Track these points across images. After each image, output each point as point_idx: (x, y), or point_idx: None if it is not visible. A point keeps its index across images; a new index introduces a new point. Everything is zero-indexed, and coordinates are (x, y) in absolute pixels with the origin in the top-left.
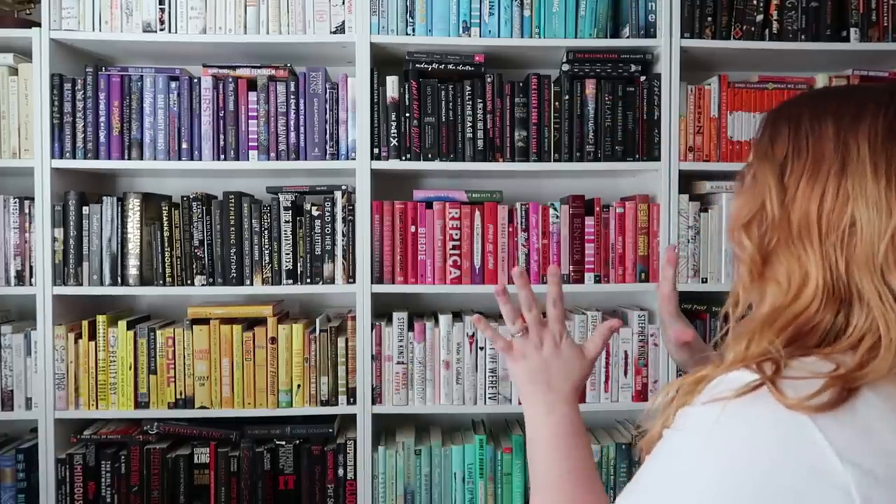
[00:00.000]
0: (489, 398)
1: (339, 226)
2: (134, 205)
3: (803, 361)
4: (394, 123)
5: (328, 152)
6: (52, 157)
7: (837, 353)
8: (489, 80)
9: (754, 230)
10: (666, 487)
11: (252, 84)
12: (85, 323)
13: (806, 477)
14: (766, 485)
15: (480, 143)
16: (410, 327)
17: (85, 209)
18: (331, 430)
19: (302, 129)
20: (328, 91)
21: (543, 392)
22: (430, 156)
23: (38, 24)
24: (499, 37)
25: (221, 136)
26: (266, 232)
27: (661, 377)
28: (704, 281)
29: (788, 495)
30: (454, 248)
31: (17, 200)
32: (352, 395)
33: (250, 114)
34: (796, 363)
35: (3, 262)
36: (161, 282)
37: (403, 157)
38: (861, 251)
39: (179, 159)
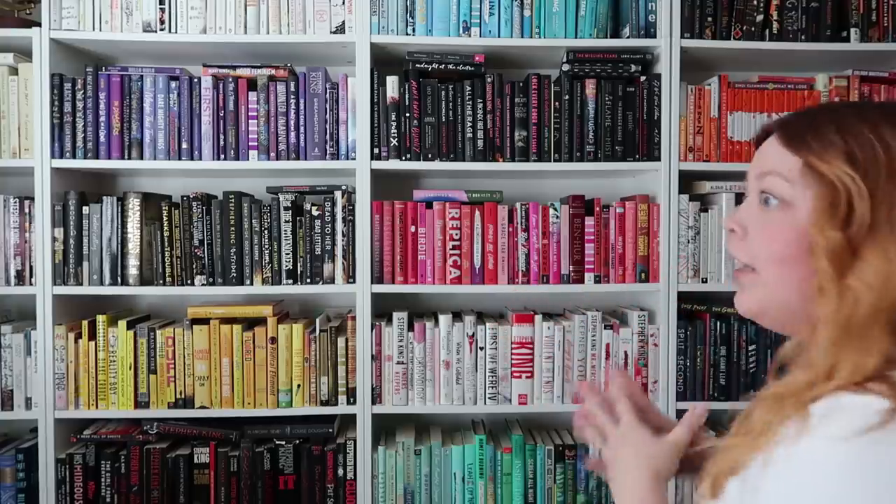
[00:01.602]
0: (489, 398)
1: (339, 226)
2: (134, 205)
3: None
4: (394, 123)
5: (328, 152)
6: (52, 156)
7: None
8: (489, 80)
9: (842, 225)
10: None
11: (252, 84)
12: (85, 323)
13: None
14: None
15: (480, 143)
16: (410, 327)
17: (85, 209)
18: (331, 430)
19: (302, 129)
20: (328, 91)
21: (623, 475)
22: (430, 156)
23: (38, 24)
24: (499, 37)
25: (221, 136)
26: (266, 232)
27: (661, 378)
28: (704, 281)
29: None
30: (454, 248)
31: (17, 200)
32: (352, 395)
33: (250, 114)
34: None
35: (3, 262)
36: (161, 282)
37: (403, 157)
38: None
39: (179, 159)
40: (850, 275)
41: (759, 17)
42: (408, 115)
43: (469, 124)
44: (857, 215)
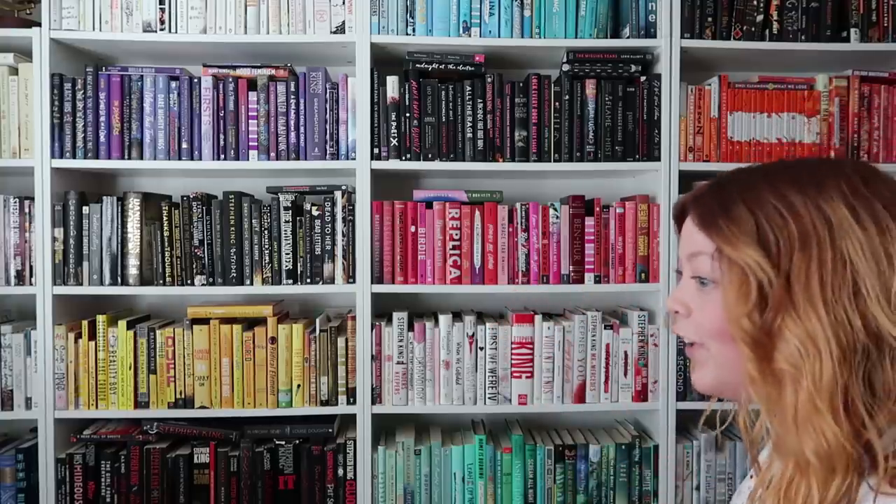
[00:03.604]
0: (489, 398)
1: (339, 226)
2: (134, 205)
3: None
4: (394, 123)
5: (328, 152)
6: (52, 156)
7: None
8: (489, 80)
9: (755, 313)
10: None
11: (252, 84)
12: (85, 323)
13: None
14: None
15: (480, 143)
16: (410, 327)
17: (85, 209)
18: (331, 430)
19: (302, 129)
20: (328, 91)
21: None
22: (430, 156)
23: (39, 24)
24: (499, 37)
25: (221, 136)
26: (266, 232)
27: (661, 378)
28: None
29: None
30: (454, 248)
31: (17, 200)
32: (352, 395)
33: (250, 114)
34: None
35: (3, 262)
36: (161, 282)
37: (403, 157)
38: (873, 302)
39: (179, 159)
40: (777, 356)
41: (759, 17)
42: (408, 115)
43: (469, 124)
44: (769, 299)
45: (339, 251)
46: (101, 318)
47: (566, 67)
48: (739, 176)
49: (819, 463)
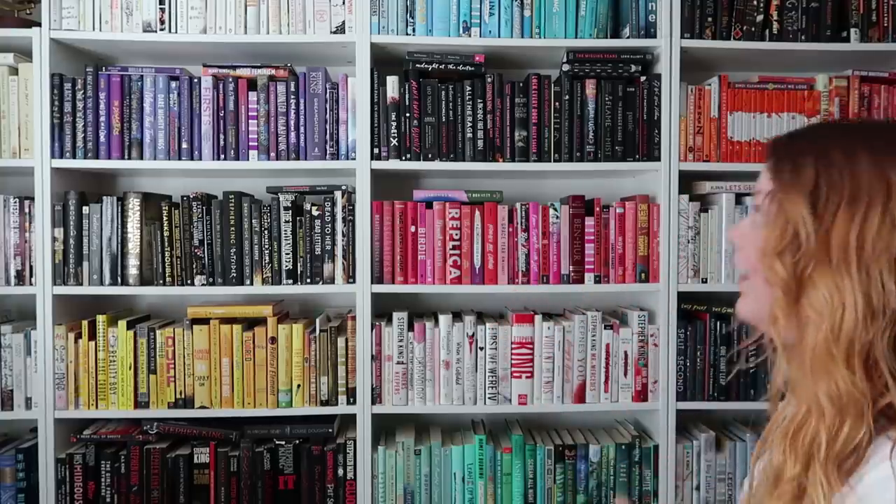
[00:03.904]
0: (489, 398)
1: (339, 226)
2: (134, 205)
3: None
4: (394, 123)
5: (328, 152)
6: (52, 156)
7: None
8: (489, 80)
9: (787, 258)
10: None
11: (252, 84)
12: (85, 323)
13: None
14: None
15: (480, 143)
16: (410, 327)
17: (85, 209)
18: (331, 430)
19: (302, 129)
20: (328, 91)
21: None
22: (430, 156)
23: (39, 24)
24: (499, 37)
25: (221, 136)
26: (266, 232)
27: (661, 378)
28: (704, 281)
29: None
30: (454, 248)
31: (17, 200)
32: (352, 395)
33: (250, 114)
34: None
35: (3, 262)
36: (161, 282)
37: (403, 157)
38: None
39: (179, 159)
40: (804, 302)
41: (759, 17)
42: (408, 115)
43: (469, 124)
44: (802, 248)
45: (339, 251)
46: (101, 318)
47: (566, 67)
48: (820, 130)
49: (831, 406)
